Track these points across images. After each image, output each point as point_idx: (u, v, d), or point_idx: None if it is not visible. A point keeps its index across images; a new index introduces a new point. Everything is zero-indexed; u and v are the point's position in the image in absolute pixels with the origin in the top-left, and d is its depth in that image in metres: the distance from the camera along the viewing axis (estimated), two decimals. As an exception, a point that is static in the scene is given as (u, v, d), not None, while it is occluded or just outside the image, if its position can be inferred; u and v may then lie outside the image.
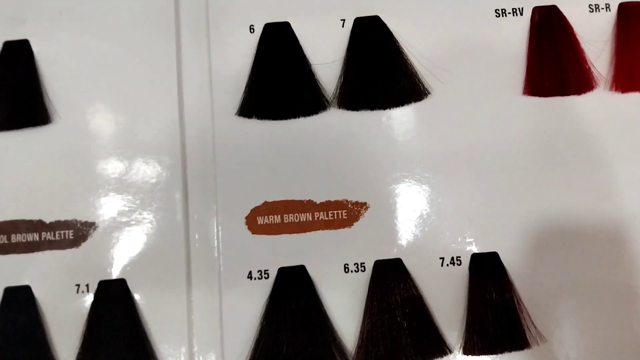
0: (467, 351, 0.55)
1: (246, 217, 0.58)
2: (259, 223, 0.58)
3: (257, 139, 0.59)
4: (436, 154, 0.58)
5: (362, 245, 0.57)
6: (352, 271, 0.57)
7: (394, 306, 0.55)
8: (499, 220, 0.56)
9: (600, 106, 0.59)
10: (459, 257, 0.56)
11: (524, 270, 0.56)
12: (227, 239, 0.57)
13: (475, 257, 0.55)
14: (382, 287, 0.56)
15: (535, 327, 0.55)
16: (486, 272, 0.55)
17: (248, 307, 0.56)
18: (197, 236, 0.58)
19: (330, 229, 0.57)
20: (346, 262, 0.57)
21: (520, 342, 0.54)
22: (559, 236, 0.57)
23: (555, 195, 0.57)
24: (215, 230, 0.58)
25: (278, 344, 0.54)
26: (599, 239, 0.57)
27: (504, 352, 0.54)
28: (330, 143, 0.58)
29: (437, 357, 0.54)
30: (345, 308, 0.56)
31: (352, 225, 0.58)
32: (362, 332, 0.55)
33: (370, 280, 0.56)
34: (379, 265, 0.55)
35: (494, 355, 0.54)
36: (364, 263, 0.57)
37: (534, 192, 0.57)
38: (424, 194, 0.58)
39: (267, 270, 0.57)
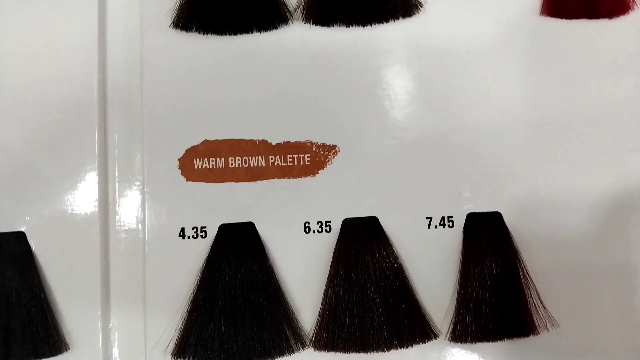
0: (457, 337, 0.43)
1: (180, 160, 0.45)
2: (196, 167, 0.45)
3: (197, 59, 0.46)
4: (427, 85, 0.45)
5: (328, 199, 0.45)
6: (314, 231, 0.45)
7: (366, 277, 0.43)
8: (504, 173, 0.45)
9: (637, 33, 0.46)
10: (452, 217, 0.44)
11: (533, 236, 0.44)
12: (154, 185, 0.45)
13: (472, 217, 0.45)
14: (351, 252, 0.44)
15: (545, 309, 0.43)
16: (486, 236, 0.44)
17: (178, 273, 0.44)
18: (117, 182, 0.45)
19: (289, 178, 0.45)
20: (307, 220, 0.45)
21: (525, 327, 0.42)
22: (581, 199, 0.44)
23: (580, 144, 0.45)
24: (140, 176, 0.45)
25: (215, 321, 0.42)
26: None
27: (504, 338, 0.42)
28: (292, 68, 0.46)
29: (417, 342, 0.43)
30: (303, 278, 0.45)
31: (317, 173, 0.45)
32: (323, 309, 0.43)
33: (337, 244, 0.44)
34: (349, 224, 0.45)
35: (491, 343, 0.43)
36: (329, 222, 0.45)
37: (553, 138, 0.45)
38: (409, 136, 0.45)
39: (205, 227, 0.45)
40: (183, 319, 0.43)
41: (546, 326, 0.43)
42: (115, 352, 0.44)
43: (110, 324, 0.45)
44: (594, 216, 0.44)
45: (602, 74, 0.46)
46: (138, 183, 0.45)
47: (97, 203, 0.45)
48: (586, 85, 0.45)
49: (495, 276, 0.43)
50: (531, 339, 0.43)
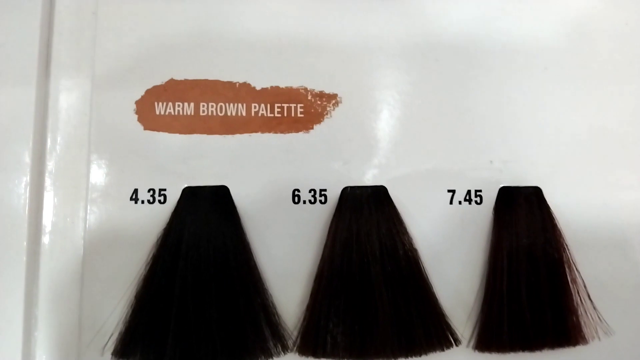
0: (484, 345, 0.34)
1: (138, 102, 0.35)
2: (157, 113, 0.35)
3: (166, -23, 0.36)
4: (458, 29, 0.36)
5: (324, 162, 0.36)
6: (305, 201, 0.35)
7: (369, 263, 0.34)
8: (549, 139, 0.36)
9: None
10: (480, 190, 0.35)
11: (582, 221, 0.35)
12: (102, 133, 0.35)
13: (505, 192, 0.36)
14: (352, 230, 0.34)
15: (596, 310, 0.34)
16: (523, 217, 0.35)
17: (127, 246, 0.34)
18: (57, 127, 0.35)
19: (276, 132, 0.36)
20: (297, 187, 0.35)
21: (571, 334, 0.33)
22: None
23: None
24: (86, 120, 0.35)
25: (170, 312, 0.32)
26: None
27: (543, 348, 0.33)
28: (287, -4, 0.36)
29: (433, 350, 0.33)
30: (289, 260, 0.36)
31: (311, 128, 0.36)
32: (313, 303, 0.34)
33: (334, 219, 0.35)
34: (350, 195, 0.36)
35: (528, 354, 0.33)
36: (325, 190, 0.35)
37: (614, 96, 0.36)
38: (430, 88, 0.36)
39: (164, 190, 0.35)
40: (129, 307, 0.33)
41: (597, 334, 0.34)
42: (39, 347, 0.34)
43: (36, 312, 0.34)
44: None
45: None
46: (83, 128, 0.35)
47: (30, 153, 0.34)
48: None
49: (534, 268, 0.34)
50: (579, 350, 0.34)
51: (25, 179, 0.34)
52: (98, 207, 0.35)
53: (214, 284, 0.33)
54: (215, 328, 0.32)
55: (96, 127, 0.35)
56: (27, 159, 0.35)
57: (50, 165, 0.35)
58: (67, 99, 0.35)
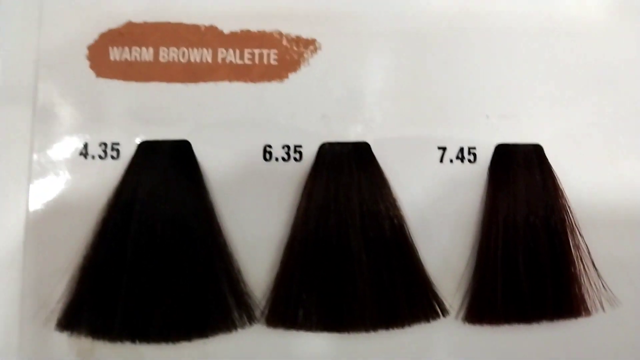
0: (475, 316, 0.30)
1: (90, 47, 0.32)
2: (112, 59, 0.32)
3: None
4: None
5: (300, 115, 0.32)
6: (277, 158, 0.31)
7: (349, 226, 0.30)
8: (553, 92, 0.33)
9: None
10: (473, 148, 0.32)
11: (586, 182, 0.32)
12: (50, 80, 0.31)
13: (502, 150, 0.32)
14: (329, 190, 0.31)
15: (600, 278, 0.30)
16: (520, 177, 0.31)
17: (76, 207, 0.30)
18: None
19: (246, 81, 0.32)
20: (268, 143, 0.32)
21: (573, 304, 0.30)
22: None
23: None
24: (33, 63, 0.31)
25: (121, 280, 0.29)
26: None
27: (541, 320, 0.30)
28: None
29: (418, 322, 0.30)
30: (257, 223, 0.32)
31: (286, 77, 0.32)
32: (283, 269, 0.30)
33: (310, 178, 0.32)
34: (329, 151, 0.32)
35: (525, 326, 0.30)
36: (300, 146, 0.32)
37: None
38: (422, 34, 0.32)
39: (118, 144, 0.31)
40: (76, 275, 0.30)
41: (601, 305, 0.30)
42: (-24, 320, 0.31)
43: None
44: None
45: None
46: (28, 75, 0.31)
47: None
48: None
49: (533, 232, 0.30)
50: (582, 322, 0.30)
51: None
52: (43, 163, 0.31)
53: (170, 248, 0.29)
54: (171, 297, 0.29)
55: (43, 74, 0.31)
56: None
57: (-10, 115, 0.31)
58: (12, 41, 0.32)
